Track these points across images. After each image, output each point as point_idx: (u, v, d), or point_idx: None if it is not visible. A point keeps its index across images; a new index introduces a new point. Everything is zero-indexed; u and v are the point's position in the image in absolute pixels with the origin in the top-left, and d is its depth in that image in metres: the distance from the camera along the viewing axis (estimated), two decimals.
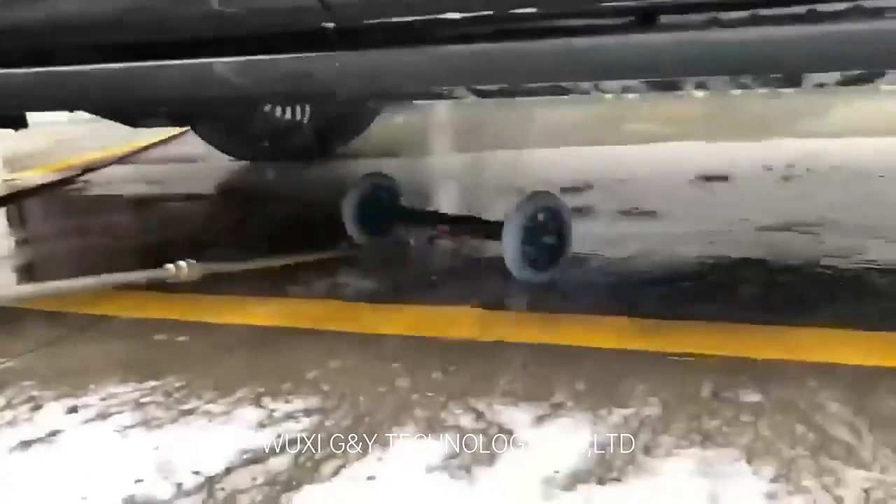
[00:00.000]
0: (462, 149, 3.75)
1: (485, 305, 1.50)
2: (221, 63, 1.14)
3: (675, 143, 3.21)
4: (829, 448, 0.95)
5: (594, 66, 1.01)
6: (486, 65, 1.05)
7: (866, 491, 0.87)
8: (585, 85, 1.11)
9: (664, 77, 1.09)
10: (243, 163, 3.60)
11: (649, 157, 2.99)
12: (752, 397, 1.08)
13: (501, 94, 1.18)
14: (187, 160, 3.78)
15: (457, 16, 1.02)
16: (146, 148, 4.01)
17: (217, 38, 1.21)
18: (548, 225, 1.63)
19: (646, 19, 1.03)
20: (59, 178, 3.46)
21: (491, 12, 1.01)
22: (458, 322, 1.43)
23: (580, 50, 0.99)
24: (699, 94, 3.39)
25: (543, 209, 1.62)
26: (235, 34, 1.16)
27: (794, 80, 1.07)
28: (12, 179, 3.78)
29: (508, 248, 1.56)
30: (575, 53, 1.00)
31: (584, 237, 1.80)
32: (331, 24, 1.07)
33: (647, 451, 0.96)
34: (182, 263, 1.52)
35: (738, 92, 3.78)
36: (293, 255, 1.75)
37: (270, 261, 1.74)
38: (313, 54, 1.09)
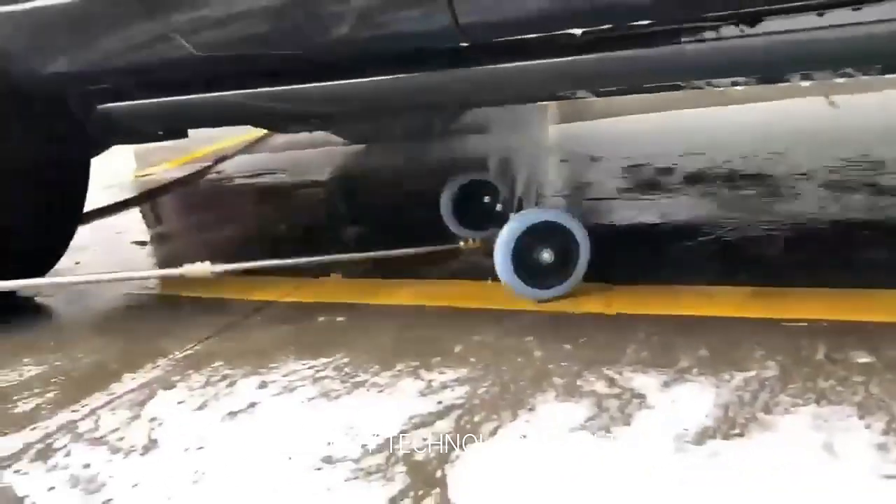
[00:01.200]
0: (565, 119, 3.84)
1: (605, 280, 1.64)
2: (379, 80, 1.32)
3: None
4: None
5: (704, 69, 1.13)
6: (609, 72, 1.18)
7: None
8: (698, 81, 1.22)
9: (766, 75, 1.19)
10: (358, 146, 3.81)
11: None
12: (863, 358, 1.19)
13: (620, 92, 1.30)
14: (306, 146, 4.03)
15: (577, 31, 1.15)
16: (265, 137, 4.29)
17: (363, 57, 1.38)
18: (544, 241, 1.55)
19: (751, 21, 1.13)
20: (196, 170, 3.77)
21: (611, 25, 1.14)
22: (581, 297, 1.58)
23: (689, 55, 1.11)
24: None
25: (538, 225, 1.54)
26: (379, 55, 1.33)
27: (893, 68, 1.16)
28: (147, 174, 4.11)
29: (498, 263, 1.54)
30: (685, 58, 1.11)
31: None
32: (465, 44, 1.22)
33: (767, 409, 1.09)
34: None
35: None
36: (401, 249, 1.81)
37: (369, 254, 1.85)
38: (457, 69, 1.24)
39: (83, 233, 2.75)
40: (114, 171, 4.16)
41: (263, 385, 1.36)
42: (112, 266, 2.35)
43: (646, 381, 1.21)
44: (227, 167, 3.86)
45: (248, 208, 3.06)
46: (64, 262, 2.21)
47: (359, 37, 1.33)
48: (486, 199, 2.00)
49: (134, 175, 4.21)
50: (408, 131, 3.58)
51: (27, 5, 1.48)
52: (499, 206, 1.94)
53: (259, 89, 1.49)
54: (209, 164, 3.77)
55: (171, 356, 1.55)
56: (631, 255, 1.82)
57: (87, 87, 1.58)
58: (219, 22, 1.41)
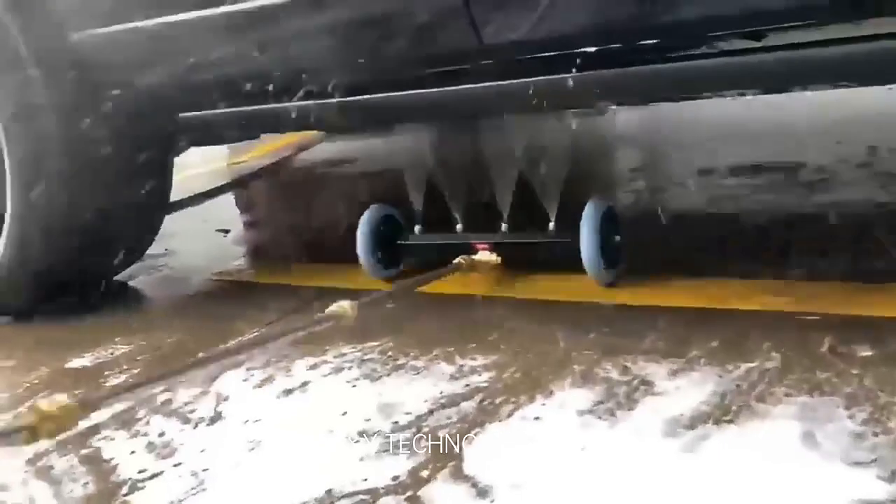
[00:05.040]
0: None
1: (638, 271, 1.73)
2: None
3: None
4: None
5: (713, 82, 1.22)
6: (627, 85, 1.29)
7: None
8: None
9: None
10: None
11: None
12: (865, 352, 1.26)
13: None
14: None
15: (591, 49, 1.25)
16: None
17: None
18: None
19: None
20: (280, 158, 3.99)
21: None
22: None
23: (694, 70, 1.20)
24: None
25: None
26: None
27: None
28: (240, 162, 4.37)
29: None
30: (690, 73, 1.21)
31: None
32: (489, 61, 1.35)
33: (761, 398, 1.18)
34: None
35: None
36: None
37: None
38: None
39: (176, 220, 3.00)
40: (210, 159, 4.44)
41: (315, 366, 1.53)
42: (196, 253, 2.58)
43: (656, 370, 1.31)
44: (311, 155, 4.07)
45: (323, 197, 3.26)
46: (155, 248, 2.45)
47: (409, 56, 1.46)
48: None
49: (228, 163, 4.48)
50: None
51: (125, 26, 1.68)
52: None
53: (327, 100, 1.64)
54: (291, 153, 3.98)
55: (240, 338, 1.73)
56: (663, 244, 1.91)
57: (170, 98, 1.78)
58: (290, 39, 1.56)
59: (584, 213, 1.69)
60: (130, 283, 2.31)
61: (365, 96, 1.57)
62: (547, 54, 1.31)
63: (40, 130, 1.80)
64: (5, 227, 1.94)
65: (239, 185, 3.61)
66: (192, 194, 3.27)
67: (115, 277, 2.27)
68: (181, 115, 1.78)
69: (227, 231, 2.76)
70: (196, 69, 1.62)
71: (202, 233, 2.83)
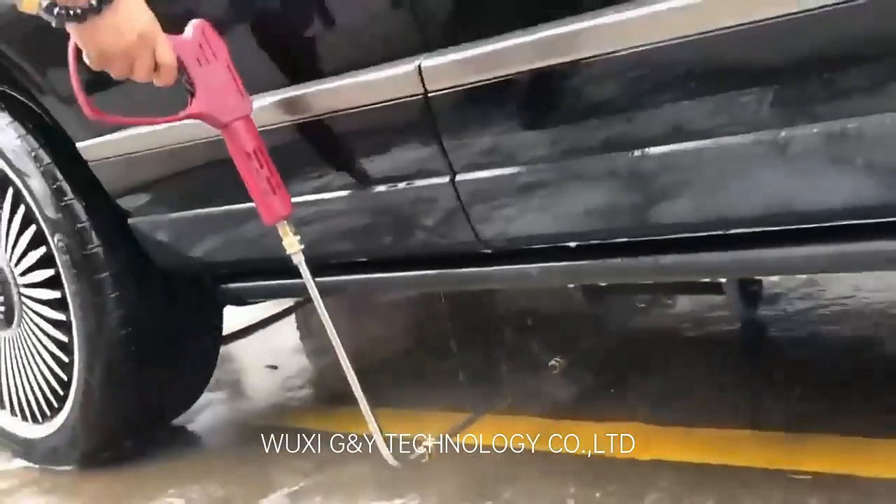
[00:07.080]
0: None
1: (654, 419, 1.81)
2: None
3: None
4: None
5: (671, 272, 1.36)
6: (599, 272, 1.43)
7: None
8: None
9: None
10: None
11: None
12: None
13: None
14: None
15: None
16: None
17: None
18: None
19: None
20: None
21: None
22: None
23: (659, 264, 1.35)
24: None
25: None
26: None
27: None
28: None
29: None
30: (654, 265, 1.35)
31: None
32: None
33: None
34: None
35: None
36: None
37: None
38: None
39: (232, 352, 3.15)
40: None
41: None
42: (247, 391, 2.75)
43: None
44: None
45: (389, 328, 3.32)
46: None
47: (414, 242, 1.64)
48: None
49: None
50: None
51: (173, 215, 1.93)
52: None
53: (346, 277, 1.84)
54: None
55: (280, 491, 1.87)
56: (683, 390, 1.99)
57: (213, 272, 2.01)
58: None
59: None
60: (189, 426, 2.46)
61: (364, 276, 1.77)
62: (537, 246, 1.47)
63: (101, 303, 2.03)
64: (73, 382, 2.15)
65: (294, 310, 3.74)
66: (249, 324, 3.43)
67: (174, 421, 2.44)
68: (222, 286, 2.01)
69: (275, 367, 2.88)
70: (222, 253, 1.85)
71: (251, 368, 3.00)
